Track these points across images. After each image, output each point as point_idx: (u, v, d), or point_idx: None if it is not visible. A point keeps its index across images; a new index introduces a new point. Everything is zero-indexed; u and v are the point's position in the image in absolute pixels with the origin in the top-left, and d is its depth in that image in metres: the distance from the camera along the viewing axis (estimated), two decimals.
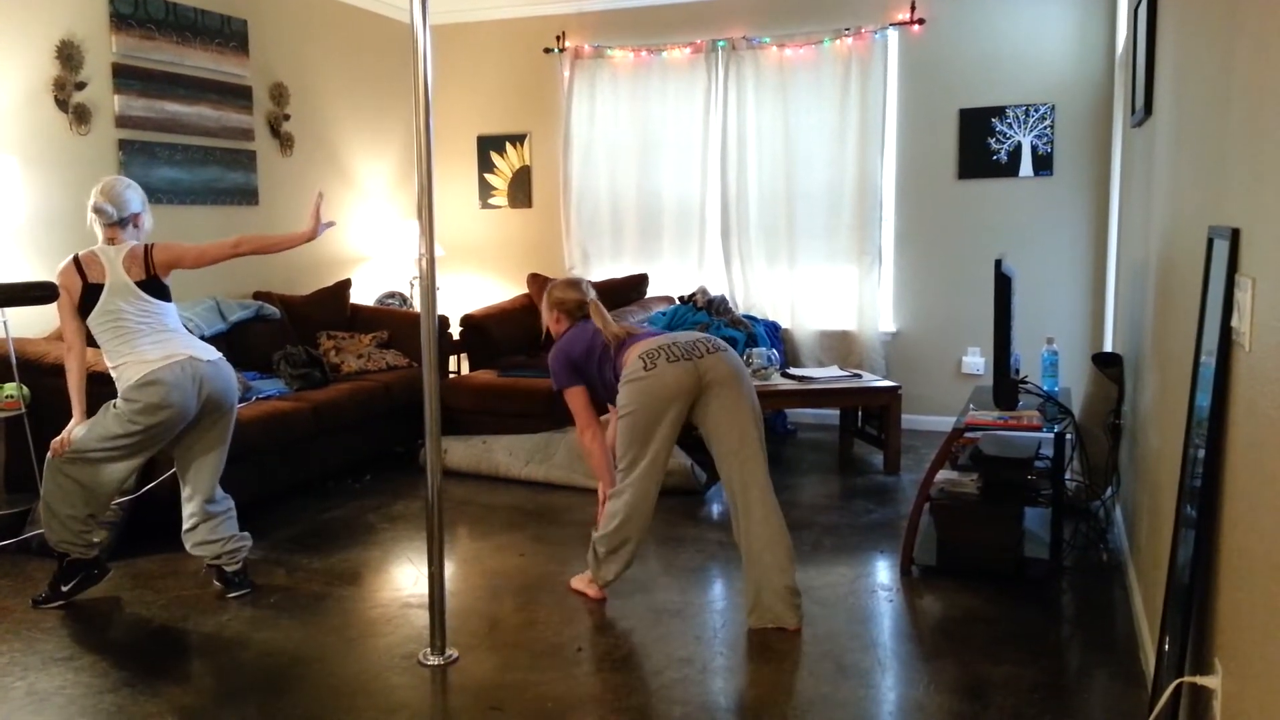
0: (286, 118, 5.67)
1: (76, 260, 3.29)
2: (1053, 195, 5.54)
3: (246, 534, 3.52)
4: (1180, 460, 2.15)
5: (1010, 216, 5.64)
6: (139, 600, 3.38)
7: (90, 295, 3.27)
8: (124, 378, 3.25)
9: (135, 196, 3.38)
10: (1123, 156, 4.78)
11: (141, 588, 3.49)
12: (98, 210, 3.31)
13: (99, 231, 3.34)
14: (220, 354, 3.45)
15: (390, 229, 6.51)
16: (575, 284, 3.48)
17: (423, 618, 3.14)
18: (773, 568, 3.07)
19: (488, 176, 6.82)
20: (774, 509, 3.11)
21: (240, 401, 3.99)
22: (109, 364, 3.31)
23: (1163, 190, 2.94)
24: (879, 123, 5.74)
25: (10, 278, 3.98)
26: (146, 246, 3.36)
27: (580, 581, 3.42)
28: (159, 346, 3.28)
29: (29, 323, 4.15)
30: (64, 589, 3.34)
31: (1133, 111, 3.86)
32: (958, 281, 5.78)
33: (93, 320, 3.28)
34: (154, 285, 3.34)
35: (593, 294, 3.46)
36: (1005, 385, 3.63)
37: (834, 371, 5.31)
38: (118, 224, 3.34)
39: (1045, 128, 5.49)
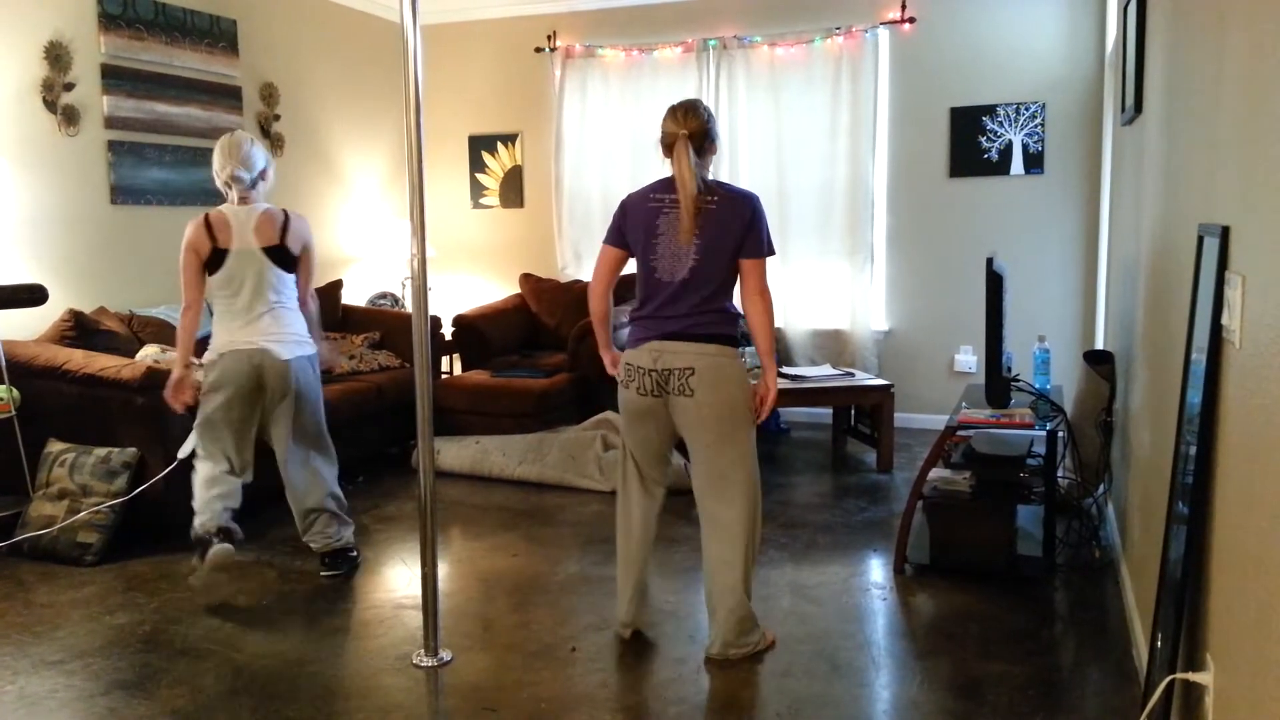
0: (277, 118, 5.65)
1: (207, 221, 3.35)
2: (1044, 193, 5.55)
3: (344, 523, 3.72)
4: (1172, 457, 2.15)
5: (1001, 215, 5.65)
6: (131, 603, 3.36)
7: (216, 259, 3.34)
8: (211, 348, 3.42)
9: (260, 152, 3.44)
10: (1113, 154, 4.80)
11: (134, 590, 3.47)
12: (235, 179, 3.36)
13: (232, 194, 3.39)
14: (311, 347, 3.51)
15: (381, 229, 6.49)
16: (687, 109, 2.88)
17: (416, 619, 3.13)
18: (715, 593, 2.92)
19: (479, 176, 6.81)
20: (726, 538, 2.87)
21: None
22: (213, 327, 3.45)
23: (1153, 188, 2.94)
24: (870, 121, 5.75)
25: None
26: (285, 214, 3.44)
27: None
28: (243, 330, 3.38)
29: (19, 325, 4.13)
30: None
31: (1123, 110, 3.87)
32: (949, 280, 5.79)
33: (214, 282, 3.37)
34: (281, 254, 3.41)
35: (697, 124, 2.85)
36: (997, 383, 3.64)
37: (826, 370, 5.32)
38: (250, 186, 3.41)
39: (1036, 126, 5.50)
